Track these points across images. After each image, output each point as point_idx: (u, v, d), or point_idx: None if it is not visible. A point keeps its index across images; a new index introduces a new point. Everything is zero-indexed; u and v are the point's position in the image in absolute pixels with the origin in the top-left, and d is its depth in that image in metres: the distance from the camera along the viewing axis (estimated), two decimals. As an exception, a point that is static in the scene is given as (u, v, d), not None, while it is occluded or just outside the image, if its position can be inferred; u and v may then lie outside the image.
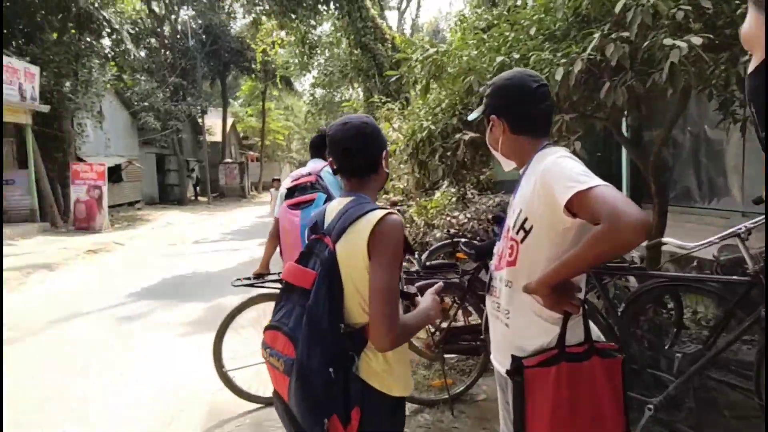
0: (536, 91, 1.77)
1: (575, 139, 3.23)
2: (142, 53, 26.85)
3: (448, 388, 3.71)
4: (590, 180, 1.51)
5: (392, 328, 1.61)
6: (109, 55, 20.10)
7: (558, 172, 1.59)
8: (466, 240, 4.06)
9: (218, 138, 33.13)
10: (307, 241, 1.86)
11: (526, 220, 1.68)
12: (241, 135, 41.38)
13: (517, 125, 1.80)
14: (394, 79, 14.15)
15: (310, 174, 3.61)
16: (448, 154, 3.66)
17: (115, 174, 21.41)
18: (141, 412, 3.92)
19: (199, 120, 29.33)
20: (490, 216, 6.31)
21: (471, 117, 2.13)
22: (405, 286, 1.88)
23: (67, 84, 16.51)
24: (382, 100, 9.65)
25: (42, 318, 6.53)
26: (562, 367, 1.68)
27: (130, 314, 6.62)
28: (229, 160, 33.06)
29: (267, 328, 1.79)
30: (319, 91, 29.56)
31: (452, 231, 6.61)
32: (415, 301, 1.87)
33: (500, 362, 1.87)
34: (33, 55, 15.36)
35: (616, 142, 6.43)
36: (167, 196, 27.76)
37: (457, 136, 3.54)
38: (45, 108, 14.73)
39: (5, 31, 15.91)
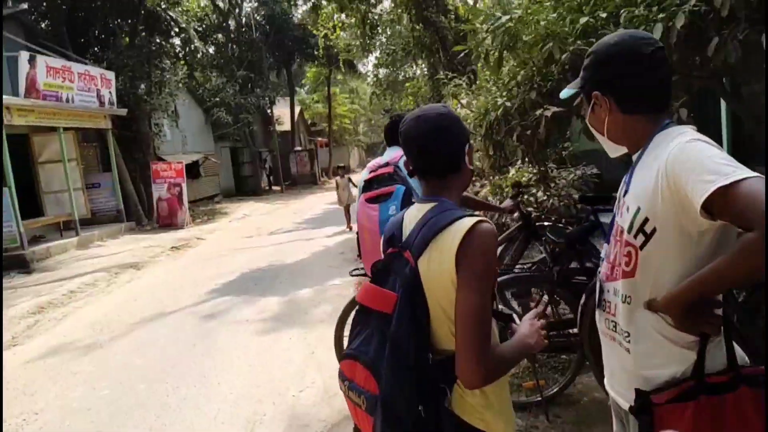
0: (651, 57, 1.40)
1: (680, 105, 2.77)
2: (210, 50, 27.57)
3: (540, 389, 3.37)
4: (736, 171, 1.18)
5: (483, 362, 1.34)
6: (179, 54, 20.68)
7: (690, 160, 1.26)
8: (552, 224, 3.67)
9: (287, 127, 33.60)
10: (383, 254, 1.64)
11: (646, 221, 1.37)
12: (309, 122, 41.84)
13: (628, 102, 1.45)
14: (459, 53, 13.61)
15: (387, 164, 3.30)
16: (528, 132, 3.28)
17: (193, 170, 22.15)
18: (222, 419, 3.86)
19: (268, 111, 29.82)
20: (573, 193, 5.83)
21: (564, 94, 1.72)
22: (499, 306, 1.60)
23: (142, 86, 17.11)
24: (448, 76, 9.20)
25: (128, 319, 6.72)
26: (701, 403, 1.35)
27: (211, 311, 6.69)
28: (299, 148, 33.52)
29: (344, 357, 1.56)
30: (382, 71, 29.21)
31: (529, 210, 6.20)
32: (512, 326, 1.58)
33: (618, 392, 1.57)
34: (108, 61, 16.00)
35: (712, 100, 5.75)
36: (243, 188, 28.53)
37: (538, 112, 3.16)
38: (123, 111, 15.31)
39: (81, 40, 16.66)
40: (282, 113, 33.44)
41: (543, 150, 3.84)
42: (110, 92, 14.70)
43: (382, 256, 1.59)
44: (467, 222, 1.39)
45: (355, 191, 11.61)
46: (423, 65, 16.43)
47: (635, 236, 1.40)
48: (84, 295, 8.49)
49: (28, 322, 7.15)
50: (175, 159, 18.15)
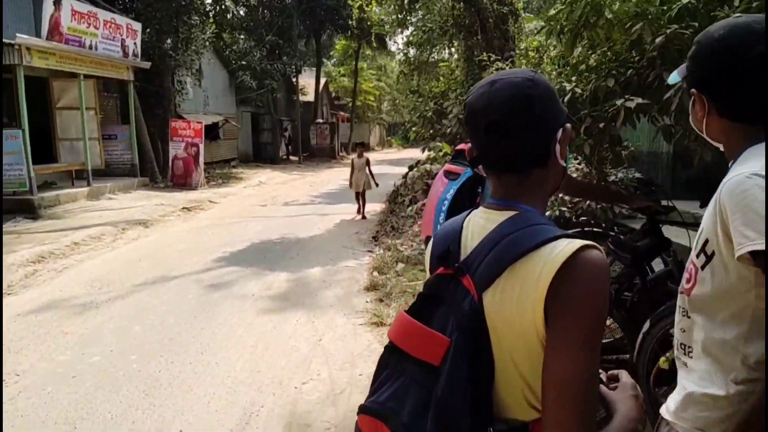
0: (761, 57, 1.16)
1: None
2: (241, 11, 26.98)
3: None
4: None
5: None
6: (209, 13, 20.16)
7: (738, 203, 1.12)
8: (615, 236, 3.20)
9: (311, 98, 33.06)
10: (430, 271, 1.15)
11: (707, 242, 1.23)
12: (333, 95, 41.23)
13: (727, 107, 1.25)
14: (500, 36, 13.01)
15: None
16: (600, 125, 2.82)
17: (212, 132, 21.79)
18: (216, 406, 3.50)
19: (294, 79, 29.29)
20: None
21: (672, 79, 1.48)
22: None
23: (168, 41, 16.68)
24: (491, 58, 8.65)
25: (130, 279, 6.40)
26: None
27: (215, 281, 6.34)
28: (320, 121, 33.01)
29: (363, 410, 1.08)
30: (412, 51, 28.51)
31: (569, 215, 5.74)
32: (603, 392, 1.11)
33: (671, 411, 1.36)
34: (136, 12, 15.57)
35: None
36: (261, 155, 28.14)
37: (618, 102, 2.69)
38: (146, 64, 14.92)
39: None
40: (307, 83, 32.90)
41: (614, 147, 3.36)
42: (135, 43, 14.31)
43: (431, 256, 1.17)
44: (567, 247, 0.96)
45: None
46: (459, 47, 15.83)
47: (698, 255, 1.27)
48: (88, 249, 8.20)
49: (27, 271, 6.85)
50: (195, 118, 17.79)
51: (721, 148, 1.34)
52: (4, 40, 9.92)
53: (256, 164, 25.79)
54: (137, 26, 14.46)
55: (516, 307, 0.97)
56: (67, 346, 4.45)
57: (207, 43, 18.99)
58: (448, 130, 11.88)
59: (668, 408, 1.37)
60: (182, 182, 15.54)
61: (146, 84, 16.31)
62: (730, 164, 1.29)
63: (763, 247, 1.05)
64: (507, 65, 7.82)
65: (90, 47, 12.50)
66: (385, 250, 7.63)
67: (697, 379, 1.30)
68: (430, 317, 1.04)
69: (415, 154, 13.53)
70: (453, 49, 19.03)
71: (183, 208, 12.08)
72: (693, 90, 1.31)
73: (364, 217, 10.88)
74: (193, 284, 6.24)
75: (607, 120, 2.78)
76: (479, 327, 0.99)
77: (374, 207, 11.62)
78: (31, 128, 11.38)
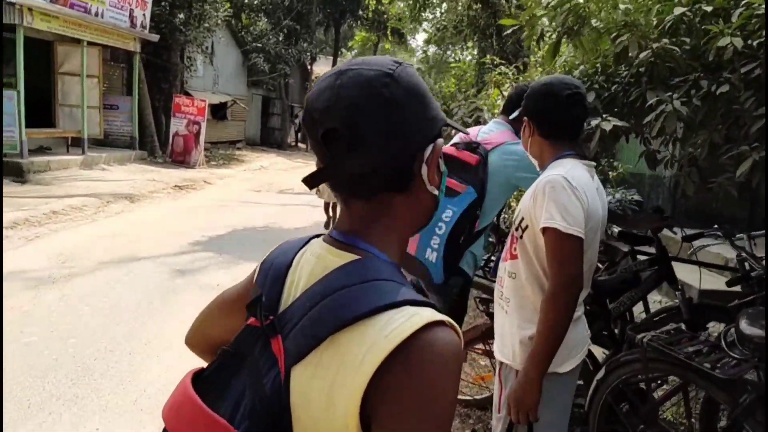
0: (566, 98, 1.80)
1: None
2: (261, -7, 26.72)
3: None
4: (559, 220, 1.68)
5: None
6: (227, -9, 19.89)
7: (551, 194, 1.71)
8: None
9: (325, 86, 32.74)
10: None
11: (522, 219, 1.84)
12: (349, 86, 40.85)
13: (544, 129, 1.88)
14: (513, 40, 12.67)
15: (476, 147, 2.52)
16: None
17: (220, 111, 21.57)
18: (143, 405, 3.26)
19: (308, 66, 29.01)
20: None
21: (512, 116, 2.52)
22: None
23: (180, 15, 16.43)
24: (495, 62, 8.35)
25: (97, 256, 6.17)
26: None
27: (183, 267, 6.09)
28: (332, 110, 32.71)
29: None
30: (432, 49, 28.21)
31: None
32: None
33: (500, 351, 1.95)
34: (150, -18, 15.32)
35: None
36: (268, 139, 27.91)
37: (594, 122, 2.42)
38: (154, 37, 14.69)
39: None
40: (322, 72, 32.50)
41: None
42: (144, 14, 14.08)
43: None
44: (406, 322, 0.69)
45: None
46: (473, 48, 15.52)
47: (516, 230, 1.87)
48: (66, 219, 7.99)
49: (-5, 237, 6.65)
50: (203, 96, 17.54)
51: (536, 163, 1.97)
52: (5, -2, 9.74)
53: (262, 148, 25.57)
54: (148, -3, 14.22)
55: (326, 398, 0.70)
56: (7, 322, 4.21)
57: (220, 21, 18.71)
58: (453, 132, 11.58)
59: (504, 354, 1.92)
60: (181, 159, 15.33)
61: (154, 57, 16.09)
62: (540, 171, 1.92)
63: (558, 226, 1.66)
64: (511, 70, 7.50)
65: (96, 14, 12.29)
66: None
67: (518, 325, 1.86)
68: (224, 388, 0.77)
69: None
70: (467, 51, 18.71)
71: (175, 186, 11.87)
72: (525, 118, 1.94)
73: None
74: (160, 267, 6.00)
75: (584, 139, 2.51)
76: (278, 418, 0.72)
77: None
78: (32, 91, 11.20)
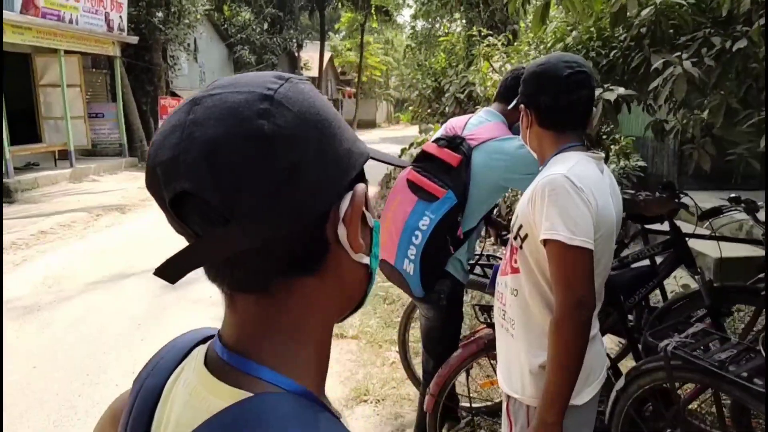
0: (566, 79, 1.51)
1: None
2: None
3: None
4: (563, 231, 1.40)
5: None
6: (204, -16, 19.40)
7: (551, 197, 1.44)
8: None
9: (315, 73, 32.29)
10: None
11: (521, 227, 1.56)
12: (339, 70, 40.36)
13: (544, 118, 1.59)
14: (501, 8, 12.21)
15: (460, 144, 2.22)
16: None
17: (209, 108, 21.22)
18: None
19: (296, 54, 28.53)
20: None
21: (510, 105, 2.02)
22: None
23: (158, 14, 16.02)
24: (482, 33, 7.97)
25: (85, 276, 5.93)
26: None
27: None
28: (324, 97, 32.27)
29: None
30: (420, 24, 27.64)
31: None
32: None
33: (507, 382, 1.67)
34: (123, -16, 14.90)
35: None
36: (262, 132, 27.61)
37: (599, 92, 2.10)
38: (133, 39, 14.32)
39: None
40: (311, 58, 32.11)
41: (602, 142, 2.78)
42: (120, 17, 13.70)
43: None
44: None
45: None
46: (460, 20, 15.06)
47: (515, 238, 1.59)
48: (54, 238, 7.74)
49: (-19, 265, 6.41)
50: (190, 95, 17.17)
51: (536, 156, 1.68)
52: (-29, 14, 9.40)
53: (257, 142, 25.24)
54: (123, -1, 13.83)
55: None
56: (-12, 360, 3.99)
57: (200, 16, 18.28)
58: (446, 110, 11.24)
59: (512, 386, 1.64)
60: (173, 162, 15.04)
61: (136, 60, 15.74)
62: (540, 168, 1.62)
63: (561, 238, 1.38)
64: (500, 40, 7.13)
65: (70, 21, 11.92)
66: (366, 242, 7.09)
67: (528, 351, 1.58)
68: None
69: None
70: (455, 23, 18.20)
71: (168, 191, 11.61)
72: (521, 106, 1.63)
73: None
74: (150, 283, 5.73)
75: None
76: None
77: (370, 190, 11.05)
78: (15, 107, 10.92)
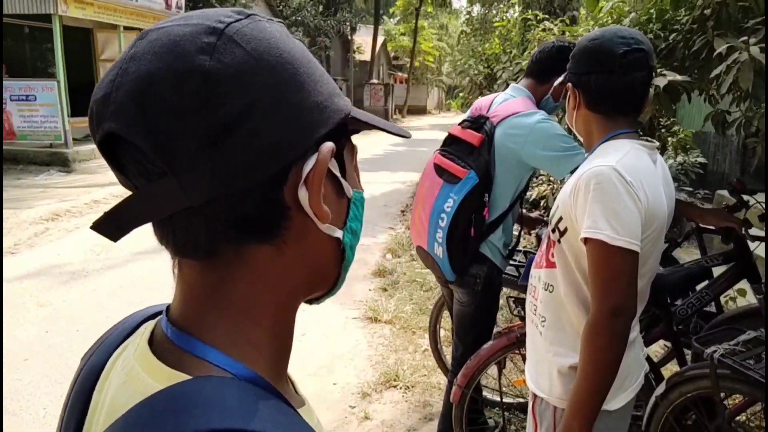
0: (621, 57, 1.37)
1: None
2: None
3: None
4: (605, 229, 1.27)
5: None
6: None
7: (591, 191, 1.31)
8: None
9: (367, 57, 32.20)
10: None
11: (561, 219, 1.44)
12: (392, 55, 40.11)
13: (593, 100, 1.46)
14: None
15: (483, 123, 2.17)
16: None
17: (261, 88, 21.49)
18: None
19: (349, 37, 28.51)
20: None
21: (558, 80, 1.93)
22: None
23: (216, -7, 16.28)
24: (538, 17, 7.70)
25: (132, 246, 6.06)
26: None
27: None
28: (375, 81, 32.18)
29: None
30: (476, 9, 27.14)
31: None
32: None
33: (534, 380, 1.56)
34: (184, -38, 15.17)
35: None
36: (312, 114, 27.80)
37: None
38: (190, 17, 14.56)
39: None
40: (364, 42, 32.00)
41: (657, 130, 2.61)
42: (179, -6, 13.94)
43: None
44: None
45: None
46: (518, 4, 14.65)
47: (553, 230, 1.47)
48: (107, 207, 7.96)
49: (37, 229, 6.71)
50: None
51: (582, 140, 1.56)
52: (38, -12, 9.77)
53: (306, 123, 25.45)
54: (182, -23, 14.07)
55: None
56: (34, 321, 4.15)
57: (256, -3, 18.47)
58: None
59: (539, 385, 1.54)
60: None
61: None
62: (586, 154, 1.52)
63: (603, 237, 1.27)
64: (557, 25, 6.85)
65: (130, -2, 12.22)
66: (407, 227, 7.03)
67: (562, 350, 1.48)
68: None
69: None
70: (512, 9, 17.74)
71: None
72: (569, 84, 1.50)
73: None
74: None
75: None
76: None
77: (411, 177, 10.99)
78: (75, 80, 11.29)
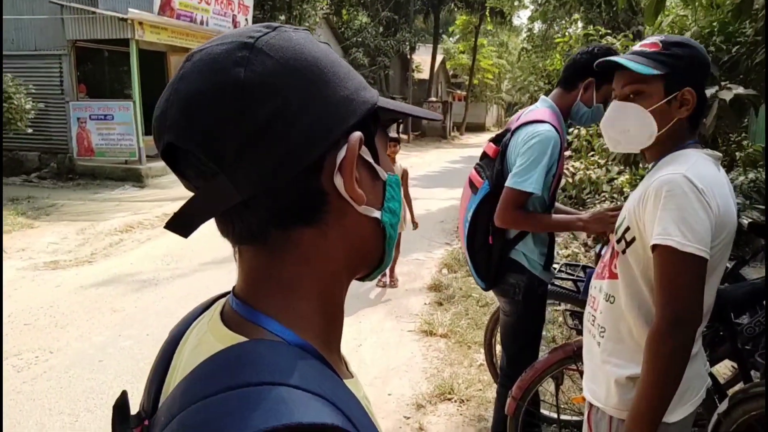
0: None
1: None
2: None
3: None
4: (676, 235, 1.26)
5: None
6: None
7: (663, 199, 1.30)
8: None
9: (426, 75, 32.44)
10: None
11: (628, 229, 1.42)
12: (451, 73, 40.21)
13: (699, 107, 1.41)
14: (624, 9, 11.54)
15: (503, 135, 2.29)
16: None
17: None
18: None
19: (408, 56, 28.83)
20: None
21: (639, 68, 1.41)
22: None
23: (281, 17, 16.89)
24: (601, 32, 7.58)
25: (202, 256, 6.36)
26: None
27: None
28: (433, 99, 32.31)
29: None
30: (537, 26, 26.89)
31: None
32: None
33: (591, 390, 1.56)
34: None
35: None
36: (371, 132, 28.14)
37: (712, 90, 1.93)
38: (257, 40, 15.17)
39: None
40: (423, 60, 32.26)
41: (714, 148, 2.55)
42: (246, 19, 14.57)
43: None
44: None
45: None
46: (580, 20, 14.45)
47: (618, 241, 1.46)
48: (176, 221, 8.39)
49: (112, 240, 7.13)
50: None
51: (614, 147, 1.56)
52: (118, 14, 10.47)
53: (365, 141, 25.77)
54: (249, 2, 14.70)
55: None
56: (108, 325, 4.42)
57: (319, 20, 19.03)
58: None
59: (596, 394, 1.53)
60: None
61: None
62: (651, 165, 1.49)
63: (673, 243, 1.25)
64: (620, 40, 6.73)
65: (201, 22, 12.87)
66: (463, 243, 7.01)
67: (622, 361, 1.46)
68: None
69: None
70: (573, 25, 17.49)
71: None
72: (689, 89, 1.38)
73: (392, 284, 5.52)
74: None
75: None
76: None
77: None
78: (150, 99, 11.95)
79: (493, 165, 2.23)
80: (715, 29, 2.29)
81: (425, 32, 34.01)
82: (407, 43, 27.16)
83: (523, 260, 2.28)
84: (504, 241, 2.26)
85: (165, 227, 0.53)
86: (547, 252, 2.33)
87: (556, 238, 2.48)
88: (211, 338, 0.53)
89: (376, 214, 0.57)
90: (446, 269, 6.01)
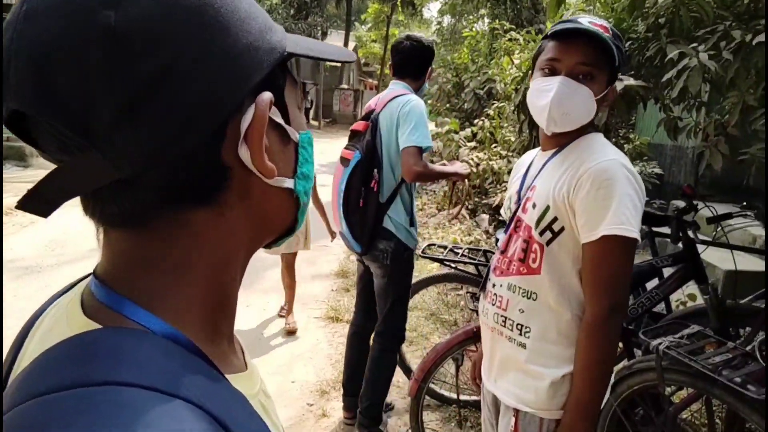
0: None
1: None
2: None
3: None
4: (626, 224, 1.25)
5: None
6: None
7: (605, 189, 1.26)
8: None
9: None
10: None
11: (555, 219, 1.35)
12: (363, 61, 40.23)
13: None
14: (527, 6, 12.05)
15: (371, 114, 2.55)
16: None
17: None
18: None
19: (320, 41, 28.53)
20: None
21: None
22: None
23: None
24: (505, 27, 7.86)
25: (88, 241, 5.94)
26: None
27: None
28: (344, 86, 32.22)
29: None
30: (447, 20, 27.54)
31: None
32: None
33: (514, 395, 1.47)
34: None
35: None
36: (281, 117, 27.62)
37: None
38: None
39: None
40: (335, 47, 32.00)
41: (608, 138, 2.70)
42: None
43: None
44: None
45: None
46: (487, 16, 14.92)
47: (542, 233, 1.38)
48: (71, 202, 7.78)
49: (-11, 224, 6.47)
50: None
51: (549, 128, 1.37)
52: None
53: (275, 126, 25.25)
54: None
55: None
56: (-18, 316, 4.01)
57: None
58: (465, 105, 11.14)
59: (522, 398, 1.45)
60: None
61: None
62: (551, 153, 1.43)
63: (629, 233, 1.24)
64: (522, 36, 7.01)
65: None
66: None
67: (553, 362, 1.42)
68: None
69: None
70: (480, 21, 18.07)
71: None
72: (614, 84, 1.41)
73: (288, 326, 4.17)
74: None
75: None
76: None
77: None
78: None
79: (364, 137, 2.43)
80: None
81: (338, 18, 33.78)
82: (319, 28, 26.82)
83: (391, 226, 2.48)
84: (377, 204, 2.43)
85: (17, 207, 0.41)
86: (410, 217, 2.55)
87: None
88: (64, 323, 0.45)
89: (289, 183, 0.49)
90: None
